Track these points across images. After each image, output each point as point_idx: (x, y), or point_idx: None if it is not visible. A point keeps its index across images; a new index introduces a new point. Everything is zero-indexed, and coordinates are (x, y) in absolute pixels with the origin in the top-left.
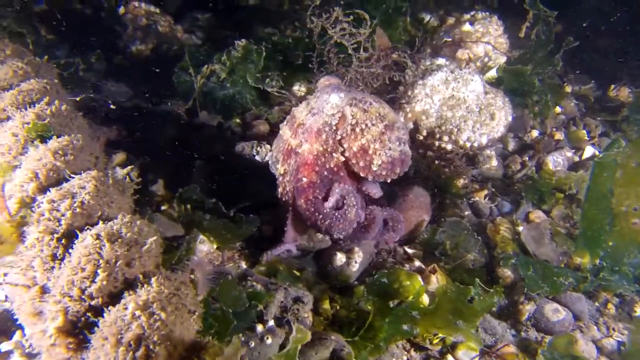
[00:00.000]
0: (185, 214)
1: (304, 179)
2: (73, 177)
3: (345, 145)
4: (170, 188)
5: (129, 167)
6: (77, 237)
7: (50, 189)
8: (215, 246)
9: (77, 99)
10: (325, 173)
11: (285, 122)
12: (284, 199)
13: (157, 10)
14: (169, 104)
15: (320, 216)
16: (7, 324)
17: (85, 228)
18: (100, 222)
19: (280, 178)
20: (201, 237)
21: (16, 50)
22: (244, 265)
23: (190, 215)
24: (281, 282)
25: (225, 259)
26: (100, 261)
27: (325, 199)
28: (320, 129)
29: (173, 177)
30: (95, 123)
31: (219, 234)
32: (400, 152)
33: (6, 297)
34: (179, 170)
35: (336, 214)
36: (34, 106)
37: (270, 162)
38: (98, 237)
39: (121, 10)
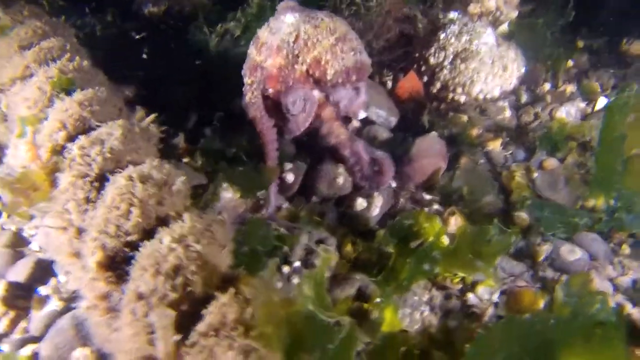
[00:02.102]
0: (208, 164)
1: (270, 90)
2: (100, 126)
3: (301, 59)
4: (190, 142)
5: (153, 115)
6: (108, 180)
7: (80, 136)
8: (238, 194)
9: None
10: (291, 83)
11: (251, 43)
12: (251, 102)
13: None
14: (184, 61)
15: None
16: (42, 272)
17: (116, 171)
18: (130, 166)
19: (248, 87)
20: (224, 184)
21: (33, 12)
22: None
23: (213, 165)
24: (304, 227)
25: (248, 207)
26: (134, 199)
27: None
28: (279, 45)
29: (192, 132)
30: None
31: (241, 182)
32: (356, 61)
33: (40, 247)
34: (197, 126)
35: (289, 116)
36: (56, 62)
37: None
38: (130, 178)
39: None
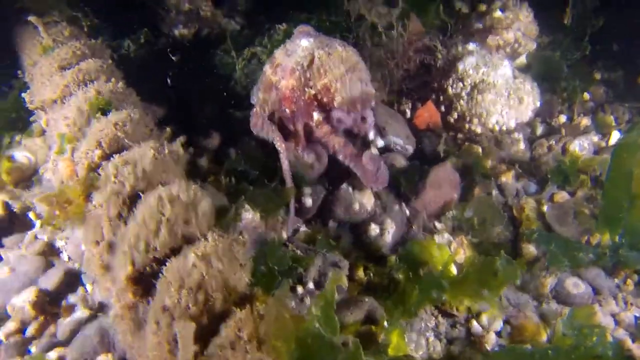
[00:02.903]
0: (231, 185)
1: (287, 110)
2: (132, 146)
3: (312, 83)
4: (215, 162)
5: (182, 138)
6: (139, 198)
7: (114, 155)
8: (258, 215)
9: None
10: (302, 104)
11: (267, 62)
12: (257, 113)
13: None
14: (210, 83)
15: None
16: (71, 281)
17: (147, 190)
18: (160, 186)
19: (260, 102)
20: (246, 205)
21: (73, 32)
22: (284, 234)
23: (235, 186)
24: (319, 249)
25: (268, 227)
26: (162, 218)
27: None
28: (293, 67)
29: (217, 152)
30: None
31: (262, 203)
32: (362, 92)
33: (69, 257)
34: (222, 146)
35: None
36: (93, 83)
37: (251, 95)
38: (160, 198)
39: None
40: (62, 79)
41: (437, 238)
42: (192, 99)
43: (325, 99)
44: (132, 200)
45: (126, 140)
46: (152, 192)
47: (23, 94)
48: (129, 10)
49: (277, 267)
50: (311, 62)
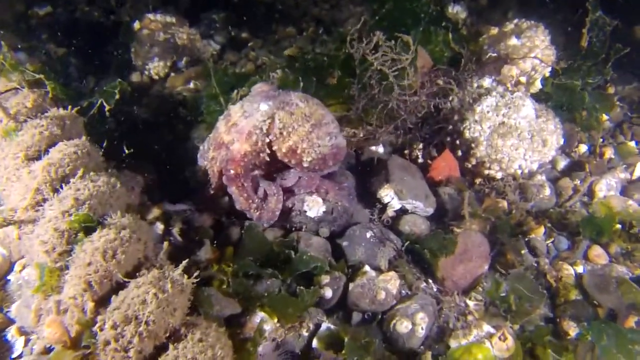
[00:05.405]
0: (243, 289)
1: (232, 171)
2: (128, 282)
3: (275, 147)
4: (215, 242)
5: (184, 262)
6: None
7: (110, 307)
8: (275, 321)
9: None
10: (250, 166)
11: (222, 117)
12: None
13: (174, 20)
14: (195, 140)
15: (250, 201)
16: None
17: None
18: (171, 346)
19: (208, 162)
20: (263, 315)
21: (37, 102)
22: (305, 333)
23: (248, 291)
24: (350, 358)
25: (287, 331)
26: None
27: (253, 188)
28: (251, 131)
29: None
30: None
31: (279, 308)
32: (331, 146)
33: None
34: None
35: (262, 203)
36: (68, 181)
37: (199, 154)
38: None
39: (136, 25)
40: (31, 179)
41: (475, 332)
42: (175, 158)
43: (293, 161)
44: None
45: (119, 275)
46: None
47: None
48: (97, 35)
49: None
50: (271, 125)
